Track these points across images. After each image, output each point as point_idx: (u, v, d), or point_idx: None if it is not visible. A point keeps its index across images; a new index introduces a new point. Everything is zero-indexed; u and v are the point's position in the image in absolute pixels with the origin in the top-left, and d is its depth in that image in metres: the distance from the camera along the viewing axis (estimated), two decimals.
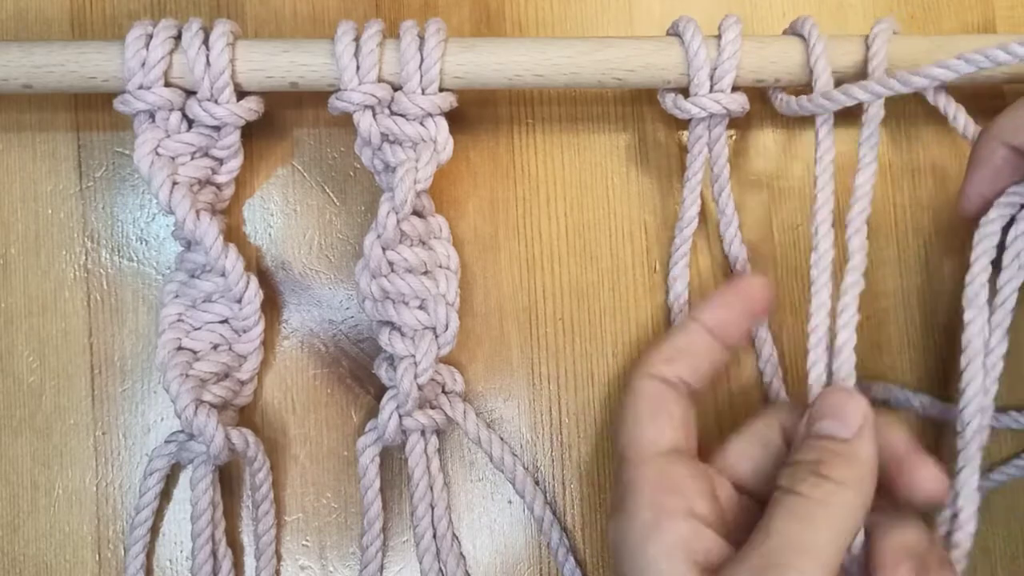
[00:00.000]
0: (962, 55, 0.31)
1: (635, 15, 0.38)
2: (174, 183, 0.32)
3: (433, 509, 0.35)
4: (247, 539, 0.35)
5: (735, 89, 0.34)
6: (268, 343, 0.36)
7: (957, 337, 0.33)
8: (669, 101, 0.34)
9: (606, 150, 0.37)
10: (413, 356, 0.33)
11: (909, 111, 0.37)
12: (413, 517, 0.34)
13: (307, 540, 0.35)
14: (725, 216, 0.36)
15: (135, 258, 0.36)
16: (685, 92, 0.34)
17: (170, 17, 0.33)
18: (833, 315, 0.32)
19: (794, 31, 0.34)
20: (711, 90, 0.33)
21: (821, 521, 0.27)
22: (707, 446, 0.37)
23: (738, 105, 0.34)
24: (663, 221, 0.37)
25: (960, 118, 0.34)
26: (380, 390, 0.34)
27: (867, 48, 0.34)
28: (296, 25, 0.37)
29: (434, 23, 0.33)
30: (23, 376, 0.35)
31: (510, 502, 0.36)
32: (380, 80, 0.32)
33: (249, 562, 0.35)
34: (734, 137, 0.38)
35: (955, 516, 0.31)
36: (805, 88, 0.34)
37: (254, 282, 0.34)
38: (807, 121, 0.37)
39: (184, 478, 0.35)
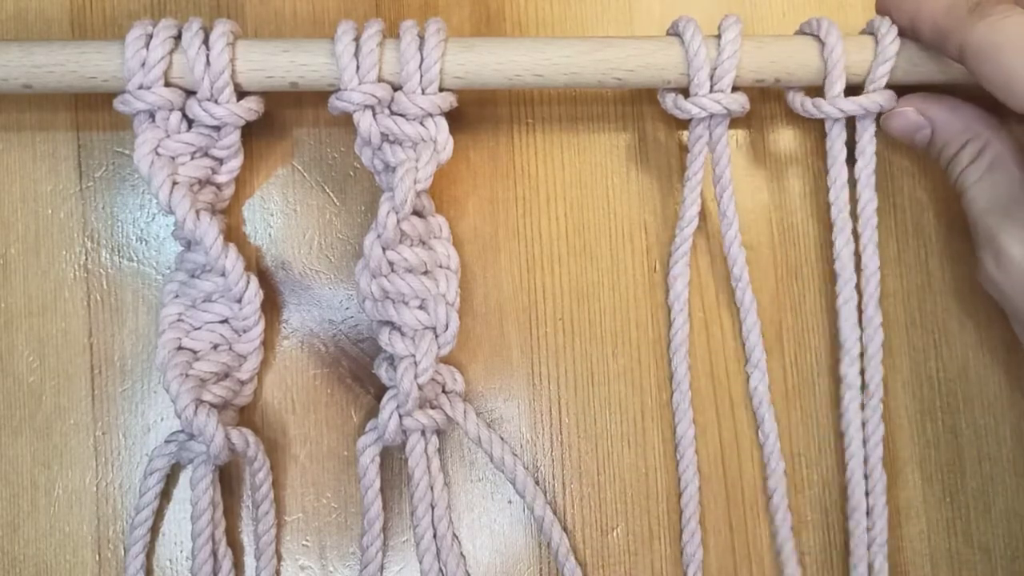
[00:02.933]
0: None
1: (635, 15, 0.38)
2: (174, 183, 0.32)
3: (433, 509, 0.35)
4: (247, 539, 0.35)
5: (735, 89, 0.34)
6: (268, 343, 0.36)
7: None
8: (669, 101, 0.34)
9: (606, 150, 0.37)
10: (413, 356, 0.33)
11: None
12: (413, 517, 0.34)
13: (307, 540, 0.35)
14: (726, 218, 0.36)
15: (135, 258, 0.36)
16: (685, 92, 0.34)
17: (170, 17, 0.33)
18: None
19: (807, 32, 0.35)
20: (711, 90, 0.33)
21: None
22: (709, 451, 0.37)
23: (738, 105, 0.34)
24: (663, 221, 0.37)
25: None
26: (380, 390, 0.34)
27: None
28: (296, 25, 0.37)
29: (434, 23, 0.33)
30: (23, 376, 0.35)
31: (510, 502, 0.36)
32: (380, 80, 0.32)
33: (249, 562, 0.35)
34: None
35: None
36: (809, 88, 0.35)
37: (254, 282, 0.34)
38: (807, 120, 0.37)
39: (184, 478, 0.35)
